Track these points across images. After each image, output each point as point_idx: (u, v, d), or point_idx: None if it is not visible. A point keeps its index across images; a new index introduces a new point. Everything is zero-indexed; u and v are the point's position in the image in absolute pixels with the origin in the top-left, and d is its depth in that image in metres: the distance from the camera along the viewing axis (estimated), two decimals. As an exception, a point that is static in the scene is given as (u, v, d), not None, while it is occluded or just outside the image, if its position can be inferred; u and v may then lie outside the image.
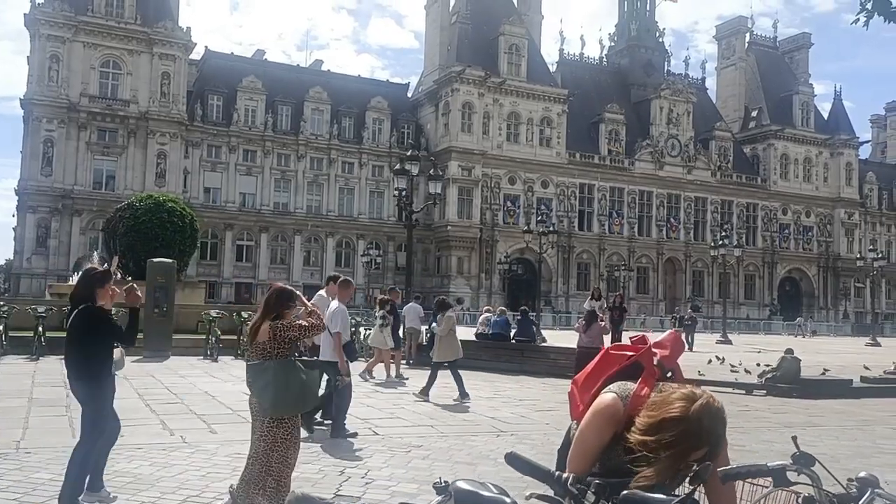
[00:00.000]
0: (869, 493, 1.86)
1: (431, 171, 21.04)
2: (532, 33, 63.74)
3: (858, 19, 5.64)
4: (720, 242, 41.39)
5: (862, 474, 1.96)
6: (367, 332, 18.72)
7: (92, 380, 5.01)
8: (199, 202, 53.50)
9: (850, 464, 8.13)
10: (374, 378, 14.46)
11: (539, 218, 40.64)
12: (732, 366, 17.34)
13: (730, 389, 14.88)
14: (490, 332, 17.91)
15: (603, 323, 14.30)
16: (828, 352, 30.52)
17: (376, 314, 15.44)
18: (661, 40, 73.07)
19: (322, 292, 9.28)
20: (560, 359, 16.33)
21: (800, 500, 1.92)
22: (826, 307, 70.58)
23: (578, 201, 62.57)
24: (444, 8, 62.35)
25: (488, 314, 19.06)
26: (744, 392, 14.61)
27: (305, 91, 58.11)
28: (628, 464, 2.16)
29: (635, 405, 2.24)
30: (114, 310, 5.62)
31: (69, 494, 4.87)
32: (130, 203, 23.81)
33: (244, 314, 17.36)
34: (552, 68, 66.27)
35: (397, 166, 19.55)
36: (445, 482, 2.03)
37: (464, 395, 11.46)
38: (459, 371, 11.80)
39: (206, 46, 60.60)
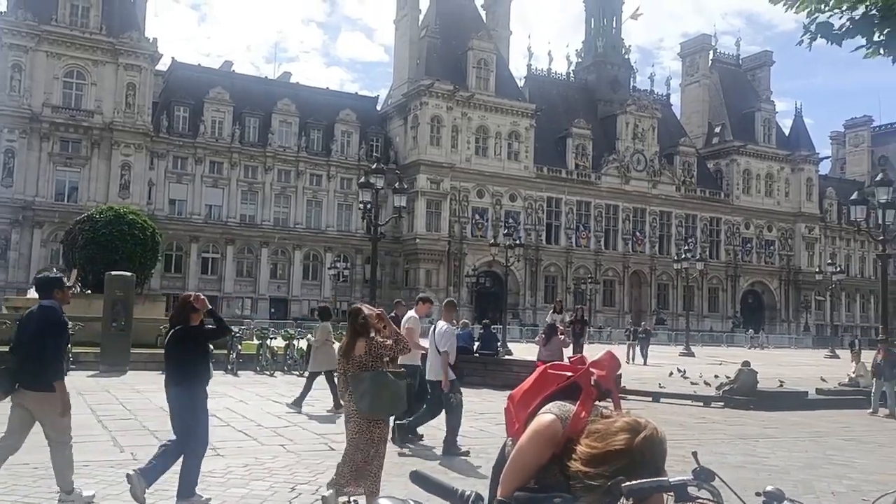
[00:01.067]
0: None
1: (397, 185, 21.03)
2: (500, 48, 64.33)
3: (802, 41, 5.78)
4: (683, 256, 41.99)
5: (769, 488, 2.01)
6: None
7: (189, 384, 5.81)
8: (164, 214, 52.91)
9: (799, 475, 8.28)
10: None
11: (506, 231, 40.78)
12: (687, 378, 17.58)
13: (689, 402, 15.12)
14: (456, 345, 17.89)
15: (562, 336, 14.40)
16: (787, 364, 31.07)
17: None
18: (626, 57, 74.21)
19: (412, 312, 9.41)
20: (523, 372, 16.34)
21: None
22: (787, 320, 71.90)
23: (546, 215, 63.08)
24: (413, 22, 62.69)
25: (451, 327, 19.06)
26: (702, 404, 14.81)
27: (273, 103, 57.89)
28: (565, 484, 2.18)
29: (574, 427, 2.25)
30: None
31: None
32: (90, 215, 23.45)
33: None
34: (520, 83, 66.93)
35: (362, 179, 19.54)
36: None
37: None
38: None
39: (172, 57, 60.15)
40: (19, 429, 5.58)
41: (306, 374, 17.49)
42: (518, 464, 2.32)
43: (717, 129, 74.09)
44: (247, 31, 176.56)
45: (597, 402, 2.39)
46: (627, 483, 1.89)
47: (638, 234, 66.79)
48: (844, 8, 5.33)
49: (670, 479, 1.85)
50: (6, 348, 6.04)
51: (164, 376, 6.10)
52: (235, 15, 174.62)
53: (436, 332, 8.49)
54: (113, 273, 17.76)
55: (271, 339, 19.25)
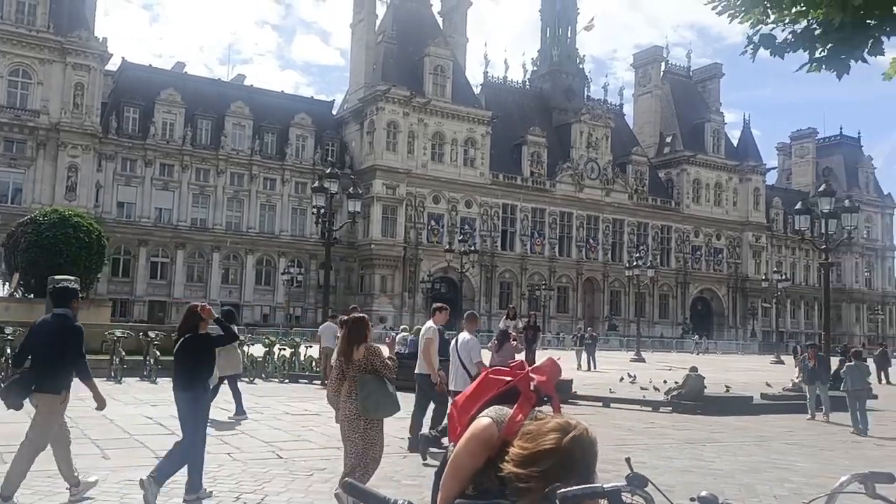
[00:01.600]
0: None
1: (352, 190, 20.90)
2: (457, 55, 64.61)
3: (747, 51, 5.89)
4: (635, 263, 42.67)
5: (703, 493, 2.03)
6: (281, 350, 18.43)
7: (195, 389, 6.25)
8: (112, 217, 51.74)
9: (744, 479, 8.44)
10: None
11: (461, 237, 40.91)
12: (637, 384, 17.83)
13: (638, 407, 15.31)
14: (406, 351, 17.83)
15: (515, 343, 14.45)
16: (734, 369, 31.72)
17: (337, 335, 15.11)
18: (581, 66, 75.25)
19: (430, 323, 9.49)
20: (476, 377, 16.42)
21: None
22: (735, 326, 73.57)
23: (501, 221, 63.46)
24: (369, 27, 62.55)
25: (405, 333, 19.00)
26: (651, 409, 15.01)
27: (227, 105, 57.12)
28: (501, 488, 2.17)
29: (510, 430, 2.25)
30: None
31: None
32: (34, 217, 22.68)
33: (151, 334, 16.75)
34: (476, 90, 67.35)
35: (316, 184, 19.37)
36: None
37: (240, 412, 11.05)
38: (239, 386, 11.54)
39: (123, 57, 58.87)
40: (63, 424, 6.10)
41: (255, 381, 17.31)
42: (455, 469, 2.32)
43: (669, 139, 75.58)
44: (200, 33, 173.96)
45: (538, 409, 2.40)
46: (562, 489, 1.89)
47: (591, 241, 67.65)
48: (787, 21, 5.46)
49: (604, 486, 1.85)
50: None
51: (171, 382, 6.59)
52: (188, 16, 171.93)
53: (459, 343, 8.72)
54: (56, 277, 17.21)
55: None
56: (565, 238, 66.50)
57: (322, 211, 18.22)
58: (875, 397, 16.04)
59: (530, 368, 2.63)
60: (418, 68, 61.01)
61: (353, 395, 5.93)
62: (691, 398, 14.92)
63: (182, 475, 6.16)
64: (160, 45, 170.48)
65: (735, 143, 77.40)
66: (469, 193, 61.66)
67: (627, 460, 2.00)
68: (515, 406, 2.38)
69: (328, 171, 19.48)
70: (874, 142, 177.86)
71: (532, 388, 2.50)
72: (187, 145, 55.22)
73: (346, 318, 15.19)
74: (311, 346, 19.44)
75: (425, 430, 9.12)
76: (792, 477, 8.64)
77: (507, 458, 2.13)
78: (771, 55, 5.89)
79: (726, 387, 17.54)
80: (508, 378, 2.55)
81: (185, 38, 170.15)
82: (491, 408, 2.39)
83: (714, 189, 74.67)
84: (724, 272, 74.29)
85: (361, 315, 6.45)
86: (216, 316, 6.49)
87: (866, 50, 5.35)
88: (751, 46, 5.86)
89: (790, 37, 5.53)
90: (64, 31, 50.20)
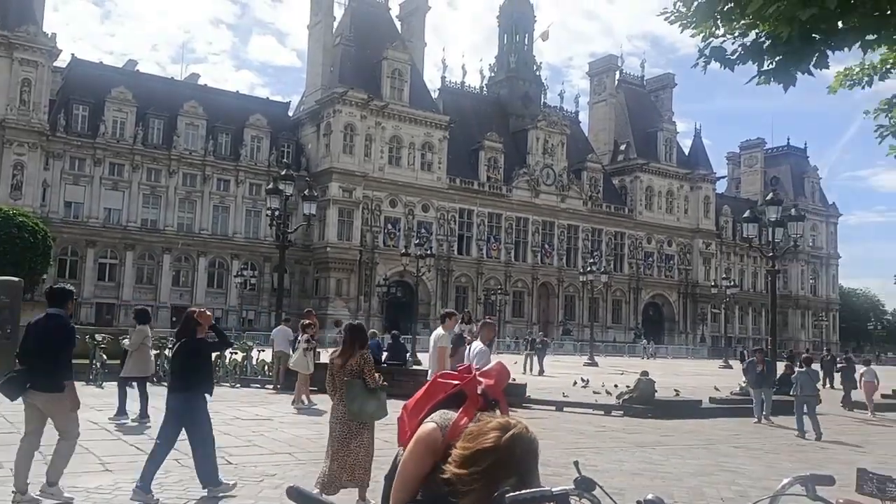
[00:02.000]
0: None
1: (307, 192, 20.72)
2: (415, 59, 64.62)
3: (698, 63, 6.00)
4: (589, 269, 43.17)
5: (650, 496, 2.06)
6: (233, 354, 18.15)
7: (191, 391, 6.59)
8: (59, 217, 50.39)
9: (692, 481, 8.60)
10: (305, 404, 13.95)
11: (418, 241, 40.88)
12: (590, 388, 18.02)
13: (590, 410, 15.48)
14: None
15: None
16: (685, 374, 32.35)
17: (300, 339, 14.95)
18: (538, 74, 75.94)
19: (441, 330, 9.61)
20: (425, 381, 16.39)
21: None
22: (685, 331, 75.02)
23: (458, 226, 63.60)
24: (327, 29, 62.17)
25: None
26: (603, 413, 15.20)
27: (180, 105, 56.10)
28: (447, 494, 2.17)
29: (454, 434, 2.25)
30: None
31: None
32: (-25, 216, 21.97)
33: (98, 337, 16.32)
34: (434, 95, 67.42)
35: (270, 185, 19.13)
36: None
37: (144, 415, 10.85)
38: (147, 389, 11.38)
39: (72, 54, 57.45)
40: (37, 429, 6.23)
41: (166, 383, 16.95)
42: (402, 476, 2.32)
43: (623, 147, 76.77)
44: (152, 31, 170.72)
45: (485, 412, 2.40)
46: (511, 493, 1.89)
47: (547, 246, 68.25)
48: (736, 34, 5.60)
49: (552, 489, 1.86)
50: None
51: (168, 384, 6.99)
52: (140, 13, 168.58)
53: (471, 353, 8.96)
54: (0, 278, 16.68)
55: (170, 349, 18.46)
56: (521, 243, 66.97)
57: (277, 213, 18.00)
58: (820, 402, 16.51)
59: (479, 372, 2.64)
60: (376, 71, 60.84)
61: (340, 397, 6.32)
62: (642, 402, 15.15)
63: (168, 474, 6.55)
64: (111, 42, 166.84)
65: (686, 151, 78.99)
66: (426, 197, 61.68)
67: (576, 464, 2.02)
68: (461, 410, 2.39)
69: (283, 172, 19.27)
70: (819, 153, 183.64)
71: (479, 391, 2.52)
72: (138, 145, 54.07)
73: (306, 322, 15.12)
74: (263, 350, 19.18)
75: None
76: (738, 479, 8.83)
77: (449, 460, 2.14)
78: (721, 67, 6.02)
79: (676, 391, 17.83)
80: (456, 382, 2.55)
81: (137, 35, 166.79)
82: (436, 413, 2.40)
83: (666, 196, 76.08)
84: (675, 278, 75.69)
85: (358, 323, 6.81)
86: (213, 322, 6.87)
87: (812, 63, 5.52)
88: (702, 59, 6.00)
89: (740, 49, 5.67)
90: (10, 25, 48.73)
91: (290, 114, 65.10)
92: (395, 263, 55.59)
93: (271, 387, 16.78)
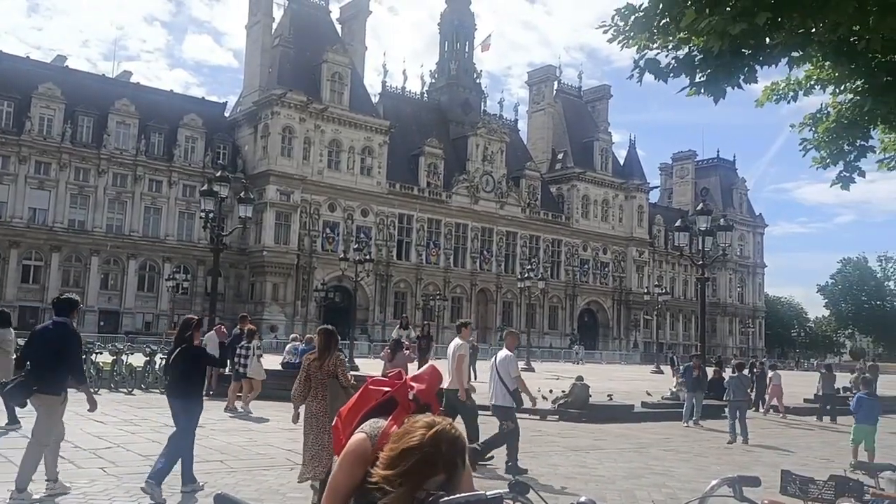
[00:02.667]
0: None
1: (243, 194, 20.32)
2: (356, 63, 64.29)
3: (633, 75, 6.12)
4: (527, 275, 43.65)
5: (582, 499, 2.07)
6: (163, 360, 17.65)
7: (189, 398, 7.14)
8: (-21, 216, 48.14)
9: (624, 484, 8.75)
10: (241, 411, 13.67)
11: (356, 246, 40.58)
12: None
13: (527, 415, 15.54)
14: (297, 360, 17.47)
15: (408, 352, 14.47)
16: (618, 379, 32.98)
17: (252, 345, 14.59)
18: (478, 81, 76.53)
19: (459, 339, 9.90)
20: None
21: None
22: (619, 337, 76.59)
23: (397, 231, 63.46)
24: (266, 29, 61.26)
25: (295, 342, 18.63)
26: (538, 418, 15.35)
27: (111, 103, 54.33)
28: (379, 500, 2.14)
29: (383, 442, 2.23)
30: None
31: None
32: None
33: (20, 341, 15.61)
34: (375, 99, 67.23)
35: (204, 187, 18.69)
36: None
37: (15, 421, 10.49)
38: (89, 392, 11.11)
39: (-5, 46, 54.87)
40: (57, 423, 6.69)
41: (134, 392, 16.48)
42: (333, 485, 2.29)
43: (560, 156, 78.00)
44: (83, 26, 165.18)
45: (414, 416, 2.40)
46: (446, 498, 1.88)
47: (486, 252, 68.73)
48: (670, 47, 5.74)
49: (486, 493, 1.85)
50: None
51: (167, 388, 7.58)
52: (70, 7, 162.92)
53: (497, 360, 9.27)
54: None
55: (97, 353, 17.85)
56: (460, 249, 67.26)
57: (211, 215, 17.59)
58: (751, 406, 17.10)
59: (410, 377, 2.63)
60: (316, 74, 60.24)
61: (319, 395, 6.71)
62: (577, 407, 15.37)
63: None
64: (39, 36, 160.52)
65: (622, 161, 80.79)
66: (365, 202, 61.34)
67: (510, 467, 2.01)
68: (391, 417, 2.38)
69: (218, 174, 18.84)
70: (747, 165, 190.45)
71: (411, 396, 2.51)
72: (66, 143, 52.12)
73: (253, 328, 14.82)
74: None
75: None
76: (669, 482, 9.03)
77: (377, 464, 2.13)
78: (655, 79, 6.17)
79: (609, 396, 18.16)
80: (387, 388, 2.55)
81: (66, 30, 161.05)
82: (367, 422, 2.39)
83: (601, 205, 77.61)
84: (609, 285, 77.21)
85: (331, 327, 7.33)
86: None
87: (742, 77, 5.70)
88: (637, 70, 6.13)
89: (673, 62, 5.81)
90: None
91: (227, 115, 63.85)
92: (334, 268, 55.01)
93: (204, 393, 16.38)
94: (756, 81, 5.62)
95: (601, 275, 76.93)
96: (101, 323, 51.61)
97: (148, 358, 17.51)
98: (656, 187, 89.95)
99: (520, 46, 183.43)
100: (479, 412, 9.94)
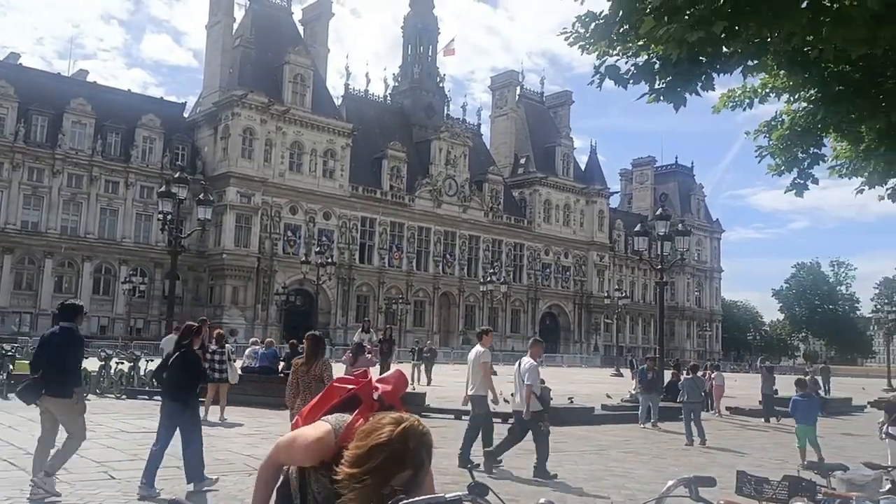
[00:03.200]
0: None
1: (201, 196, 20.02)
2: (318, 65, 63.89)
3: (594, 81, 6.18)
4: (489, 279, 43.81)
5: (542, 501, 2.08)
6: (119, 364, 17.36)
7: (188, 398, 7.48)
8: (-74, 217, 46.62)
9: (585, 486, 8.82)
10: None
11: (318, 249, 40.32)
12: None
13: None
14: (257, 364, 17.28)
15: (370, 356, 14.41)
16: (579, 381, 33.24)
17: (222, 349, 14.37)
18: (441, 85, 76.70)
19: (481, 347, 10.16)
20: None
21: None
22: (580, 340, 77.29)
23: (360, 234, 63.17)
24: (226, 30, 60.54)
25: (255, 346, 18.41)
26: (500, 421, 15.35)
27: (66, 102, 53.08)
28: (335, 492, 2.16)
29: (347, 435, 2.24)
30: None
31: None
32: None
33: (6, 346, 15.26)
34: (337, 101, 66.87)
35: (162, 188, 18.38)
36: None
37: None
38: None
39: (-56, 41, 53.27)
40: (51, 429, 6.95)
41: (89, 397, 16.11)
42: (290, 449, 2.34)
43: (522, 161, 78.53)
44: (38, 23, 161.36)
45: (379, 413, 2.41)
46: (405, 501, 1.87)
47: (448, 256, 68.79)
48: (630, 54, 5.81)
49: (446, 495, 1.85)
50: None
51: (164, 391, 7.90)
52: (25, 4, 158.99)
53: (521, 367, 9.54)
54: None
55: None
56: (423, 252, 67.22)
57: (169, 217, 17.29)
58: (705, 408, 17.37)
59: (376, 378, 2.64)
60: (277, 75, 59.70)
61: (307, 399, 6.74)
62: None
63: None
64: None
65: (583, 167, 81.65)
66: (328, 205, 60.94)
67: (469, 470, 2.02)
68: (355, 413, 2.40)
69: (177, 175, 18.54)
70: (704, 171, 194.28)
71: (375, 397, 2.52)
72: (20, 142, 50.78)
73: (220, 331, 14.62)
74: (152, 360, 18.34)
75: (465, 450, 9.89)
76: (628, 483, 9.13)
77: (342, 461, 2.13)
78: (616, 85, 6.24)
79: (570, 398, 18.28)
80: (352, 386, 2.56)
81: (20, 27, 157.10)
82: (331, 415, 2.41)
83: (563, 210, 78.30)
84: (570, 289, 77.90)
85: (318, 333, 7.79)
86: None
87: (700, 84, 5.80)
88: (597, 76, 6.21)
89: (633, 69, 5.89)
90: None
91: (186, 115, 62.92)
92: (295, 271, 54.60)
93: (159, 397, 16.09)
94: (713, 89, 5.72)
95: (563, 279, 77.57)
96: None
97: (103, 362, 17.13)
98: (617, 192, 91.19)
99: (483, 51, 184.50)
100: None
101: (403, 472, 2.05)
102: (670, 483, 2.30)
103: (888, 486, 3.99)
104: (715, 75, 5.70)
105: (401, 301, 61.36)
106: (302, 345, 12.49)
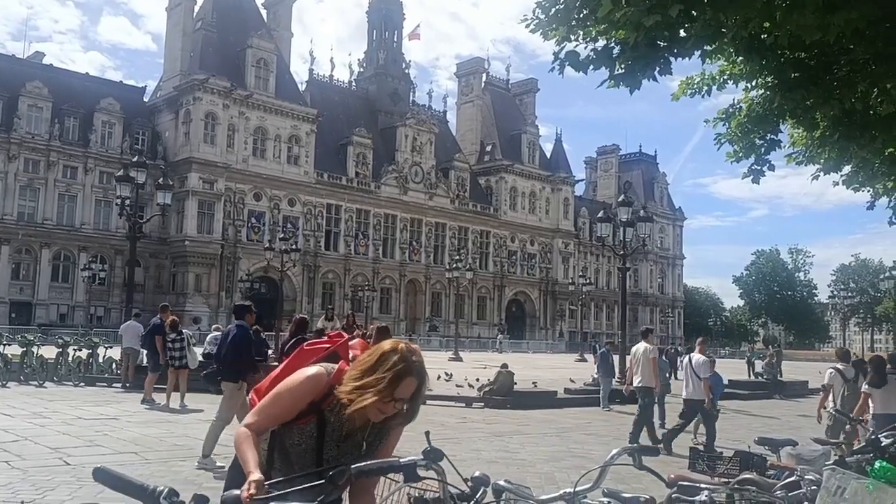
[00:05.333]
0: (482, 490, 2.03)
1: (161, 181, 19.67)
2: (281, 49, 63.02)
3: (554, 68, 6.19)
4: (454, 266, 43.88)
5: (476, 473, 2.13)
6: (77, 351, 17.08)
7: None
8: None
9: (544, 467, 8.92)
10: (157, 403, 13.26)
11: (281, 235, 39.98)
12: (453, 381, 18.33)
13: (452, 403, 15.75)
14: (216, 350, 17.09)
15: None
16: (544, 367, 33.55)
17: (181, 336, 14.12)
18: (407, 71, 76.25)
19: (647, 344, 11.84)
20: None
21: (411, 501, 2.05)
22: (546, 327, 77.92)
23: (326, 221, 62.73)
24: (187, 13, 59.37)
25: (217, 333, 18.20)
26: (464, 405, 15.50)
27: (22, 84, 51.66)
28: (319, 461, 2.20)
29: (338, 377, 2.27)
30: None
31: None
32: None
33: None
34: (301, 87, 66.07)
35: (120, 172, 18.02)
36: None
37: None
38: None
39: None
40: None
41: (45, 384, 15.81)
42: (275, 405, 2.28)
43: (489, 148, 78.60)
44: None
45: None
46: (356, 465, 1.88)
47: (415, 243, 68.71)
48: (589, 39, 5.84)
49: (399, 460, 1.87)
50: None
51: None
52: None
53: (693, 363, 10.89)
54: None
55: (4, 345, 16.98)
56: (389, 240, 67.03)
57: (127, 202, 16.96)
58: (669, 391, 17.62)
59: (347, 339, 2.65)
60: (240, 60, 58.79)
61: None
62: (502, 394, 15.58)
63: None
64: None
65: (549, 155, 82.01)
66: (292, 192, 60.36)
67: (427, 434, 2.04)
68: (340, 362, 2.41)
69: (135, 159, 18.18)
70: (667, 160, 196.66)
71: (351, 356, 2.53)
72: (-28, 125, 49.39)
73: (163, 320, 14.47)
74: (111, 347, 18.05)
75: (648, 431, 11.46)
76: (587, 464, 9.21)
77: (344, 381, 2.20)
78: (576, 71, 6.28)
79: (533, 383, 18.48)
80: (327, 345, 2.57)
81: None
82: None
83: (529, 197, 78.64)
84: (536, 276, 78.40)
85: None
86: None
87: (658, 69, 5.85)
88: (557, 63, 6.24)
89: (592, 54, 5.92)
90: None
91: (146, 100, 61.71)
92: (259, 258, 54.04)
93: (119, 385, 15.83)
94: (671, 73, 5.77)
95: (528, 266, 78.02)
96: (13, 315, 49.21)
97: (60, 349, 16.78)
98: (582, 180, 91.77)
99: (448, 38, 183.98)
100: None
101: (409, 379, 2.13)
102: (614, 451, 2.35)
103: (834, 459, 4.12)
104: (673, 60, 5.76)
105: (367, 288, 61.19)
106: (266, 333, 12.44)
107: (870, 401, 7.98)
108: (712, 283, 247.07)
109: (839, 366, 9.52)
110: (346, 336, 2.67)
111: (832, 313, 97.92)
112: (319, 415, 2.27)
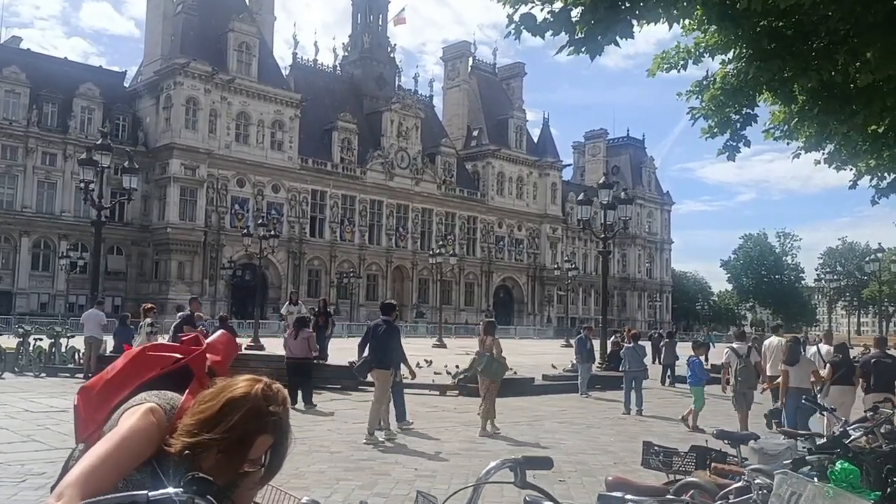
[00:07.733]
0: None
1: (126, 164, 19.09)
2: (264, 33, 62.08)
3: (510, 33, 5.75)
4: (439, 252, 43.47)
5: (304, 500, 1.68)
6: (38, 341, 16.56)
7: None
8: None
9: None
10: None
11: (260, 221, 39.46)
12: (432, 369, 17.92)
13: (427, 391, 15.33)
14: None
15: (310, 331, 13.90)
16: (528, 353, 33.24)
17: (142, 323, 13.64)
18: (392, 56, 75.36)
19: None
20: (261, 367, 15.60)
21: None
22: (533, 312, 77.68)
23: (311, 207, 62.09)
24: (168, -5, 58.33)
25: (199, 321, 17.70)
26: (438, 393, 15.10)
27: (-1, 69, 50.72)
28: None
29: (181, 416, 1.75)
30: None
31: None
32: None
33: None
34: (285, 72, 65.19)
35: (83, 155, 17.44)
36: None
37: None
38: None
39: None
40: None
41: (3, 375, 15.26)
42: (110, 463, 1.65)
43: (475, 133, 77.96)
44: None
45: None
46: (89, 500, 1.42)
47: (401, 229, 68.19)
48: (545, 1, 5.39)
49: (148, 494, 1.37)
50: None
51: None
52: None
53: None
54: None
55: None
56: (375, 226, 66.48)
57: (91, 186, 16.40)
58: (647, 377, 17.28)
59: (207, 345, 2.11)
60: (221, 44, 57.83)
61: None
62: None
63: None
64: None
65: (536, 139, 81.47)
66: (276, 178, 59.65)
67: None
68: (187, 392, 1.84)
69: (99, 141, 17.57)
70: (655, 144, 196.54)
71: (207, 370, 2.00)
72: (-53, 111, 48.44)
73: (148, 306, 13.97)
74: (73, 336, 17.52)
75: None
76: (554, 455, 8.82)
77: (177, 434, 1.67)
78: (532, 35, 5.80)
79: (513, 370, 18.05)
80: (178, 355, 1.99)
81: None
82: (148, 392, 1.82)
83: (516, 182, 78.16)
84: (524, 262, 78.08)
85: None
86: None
87: (618, 34, 5.39)
88: (513, 26, 5.77)
89: (549, 17, 5.46)
90: None
91: (127, 85, 60.77)
92: (243, 245, 53.40)
93: (82, 375, 15.33)
94: (632, 36, 5.36)
95: (516, 251, 77.67)
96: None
97: (20, 339, 16.25)
98: (569, 165, 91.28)
99: (434, 23, 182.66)
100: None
101: (263, 436, 1.65)
102: (492, 465, 1.88)
103: (792, 458, 3.69)
104: (636, 23, 5.35)
105: (353, 275, 60.72)
106: (234, 320, 11.97)
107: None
108: (700, 268, 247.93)
109: (735, 345, 11.47)
110: (202, 342, 2.11)
111: (819, 297, 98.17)
112: (157, 461, 1.75)
